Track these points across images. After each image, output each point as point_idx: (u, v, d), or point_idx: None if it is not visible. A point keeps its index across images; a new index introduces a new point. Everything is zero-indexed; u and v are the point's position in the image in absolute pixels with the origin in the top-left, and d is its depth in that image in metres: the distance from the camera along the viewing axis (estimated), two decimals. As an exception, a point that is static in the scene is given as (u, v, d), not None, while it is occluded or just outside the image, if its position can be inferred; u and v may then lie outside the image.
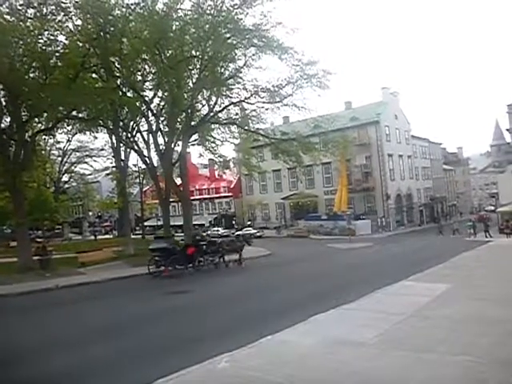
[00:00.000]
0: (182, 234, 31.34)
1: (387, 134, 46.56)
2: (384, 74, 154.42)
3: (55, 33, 19.03)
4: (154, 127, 30.25)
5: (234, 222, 55.31)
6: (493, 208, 58.58)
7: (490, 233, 32.37)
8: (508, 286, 9.59)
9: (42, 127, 23.12)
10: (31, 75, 19.85)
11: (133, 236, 35.49)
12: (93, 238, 47.78)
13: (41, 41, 18.57)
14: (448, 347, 5.29)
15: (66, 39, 20.17)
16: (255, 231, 45.88)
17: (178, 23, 24.80)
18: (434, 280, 10.63)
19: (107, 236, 51.73)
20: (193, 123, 29.03)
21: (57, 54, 19.37)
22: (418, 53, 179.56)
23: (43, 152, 37.95)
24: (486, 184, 78.99)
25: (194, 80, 27.31)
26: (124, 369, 6.06)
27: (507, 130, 39.42)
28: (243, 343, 5.77)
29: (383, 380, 4.39)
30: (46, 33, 18.47)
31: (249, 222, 52.48)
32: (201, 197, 60.42)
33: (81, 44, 19.93)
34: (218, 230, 44.87)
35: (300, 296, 11.24)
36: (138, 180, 44.15)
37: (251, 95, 27.91)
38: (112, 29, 20.57)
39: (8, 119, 20.52)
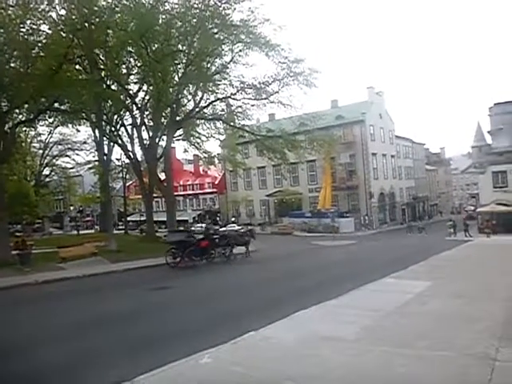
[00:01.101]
0: (166, 230, 31.14)
1: (372, 134, 47.05)
2: (369, 74, 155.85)
3: (38, 22, 18.58)
4: (138, 121, 29.94)
5: (218, 219, 55.16)
6: (473, 208, 59.88)
7: (469, 232, 33.07)
8: (486, 284, 9.82)
9: (23, 119, 22.54)
10: (12, 65, 19.33)
11: (115, 231, 35.05)
12: (75, 232, 47.06)
13: (23, 30, 18.09)
14: (428, 343, 5.38)
15: (50, 29, 19.75)
16: (239, 228, 45.80)
17: (164, 16, 24.54)
18: (415, 277, 10.81)
19: (89, 231, 50.97)
20: (178, 118, 28.83)
21: (39, 44, 18.91)
22: (402, 54, 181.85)
23: (24, 144, 37.10)
24: (467, 184, 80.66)
25: (180, 75, 27.10)
26: (105, 364, 5.97)
27: (488, 132, 40.26)
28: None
29: (364, 375, 4.44)
30: (29, 22, 18.00)
31: (233, 219, 52.42)
32: (185, 193, 60.07)
33: (64, 34, 19.51)
34: (201, 227, 44.66)
35: (284, 292, 11.33)
36: (121, 175, 43.59)
37: (237, 91, 27.87)
38: (97, 20, 20.19)
39: (-13, 110, 19.95)
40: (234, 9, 24.13)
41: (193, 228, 38.92)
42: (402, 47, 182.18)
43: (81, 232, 46.40)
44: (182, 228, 27.23)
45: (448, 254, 17.35)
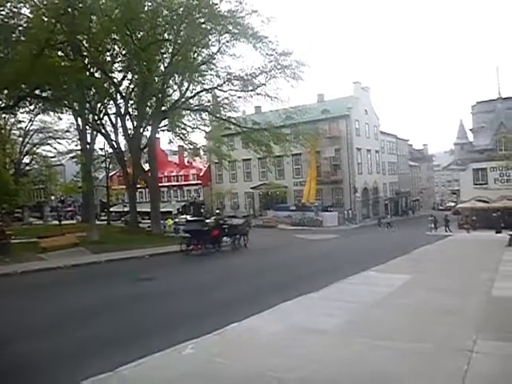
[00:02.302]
0: (149, 221, 30.88)
1: (357, 129, 47.36)
2: (356, 69, 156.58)
3: (19, 5, 18.05)
4: (122, 110, 29.43)
5: (202, 211, 54.92)
6: (453, 204, 61.05)
7: (449, 228, 33.74)
8: (464, 278, 10.06)
9: (3, 105, 21.93)
10: (-9, 49, 18.76)
11: (98, 222, 34.57)
12: (56, 222, 46.20)
13: (3, 12, 17.55)
14: (406, 335, 5.49)
15: (31, 13, 19.15)
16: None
17: (150, 4, 24.11)
18: (396, 271, 11.00)
19: (71, 221, 50.13)
20: (163, 108, 28.47)
21: (20, 28, 18.36)
22: (389, 51, 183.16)
23: (3, 131, 36.16)
24: (449, 181, 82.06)
25: (166, 64, 26.72)
26: (91, 355, 5.91)
27: (470, 129, 40.97)
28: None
29: (343, 366, 4.50)
30: (9, 4, 17.47)
31: (217, 211, 52.27)
32: (169, 184, 59.54)
33: (46, 19, 18.93)
34: (185, 218, 44.45)
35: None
36: (104, 164, 42.88)
37: (224, 82, 27.66)
38: (81, 5, 19.70)
39: (-35, 95, 19.36)
40: (222, -1, 23.86)
41: (177, 219, 38.71)
42: (388, 44, 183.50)
43: (62, 222, 45.61)
44: (197, 218, 28.72)
45: (428, 248, 17.71)
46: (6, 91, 20.16)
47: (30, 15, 19.11)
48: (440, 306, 7.14)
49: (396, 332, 5.65)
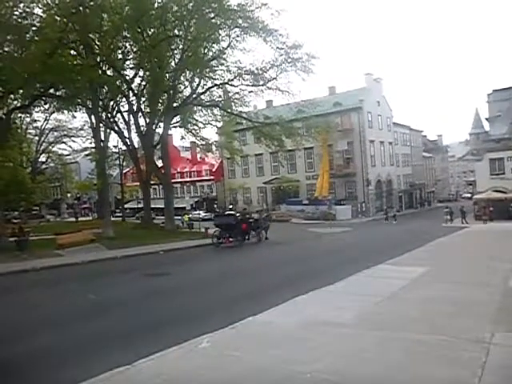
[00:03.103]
0: (163, 217, 31.16)
1: (369, 121, 46.83)
2: (368, 61, 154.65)
3: (31, 5, 18.26)
4: (134, 108, 29.67)
5: (215, 206, 55.15)
6: (469, 195, 60.06)
7: (466, 219, 33.24)
8: (481, 270, 9.91)
9: (18, 104, 22.27)
10: (6, 49, 19.01)
11: (113, 218, 35.03)
12: (72, 219, 47.01)
13: (16, 13, 17.79)
14: (423, 327, 5.44)
15: (43, 12, 19.36)
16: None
17: (160, 0, 24.15)
18: (411, 263, 10.88)
19: (86, 218, 50.92)
20: (175, 104, 28.60)
21: (33, 28, 18.59)
22: (401, 41, 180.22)
23: (19, 131, 36.76)
24: (464, 172, 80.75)
25: (177, 60, 26.81)
26: (109, 348, 6.03)
27: (486, 119, 40.18)
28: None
29: (360, 358, 4.49)
30: (22, 5, 17.69)
31: (230, 206, 52.42)
32: (182, 180, 59.90)
33: (58, 18, 19.13)
34: (199, 214, 44.71)
35: (284, 278, 11.62)
36: (118, 161, 43.37)
37: (235, 77, 27.63)
38: (91, 4, 19.85)
39: (-19, 95, 19.70)
40: (232, -7, 23.78)
41: (190, 215, 38.95)
42: (400, 34, 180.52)
43: (79, 219, 46.34)
44: (228, 212, 29.60)
45: (444, 240, 17.47)
46: (21, 91, 20.46)
47: (43, 15, 19.33)
48: (456, 297, 7.05)
49: (411, 324, 5.61)
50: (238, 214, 23.91)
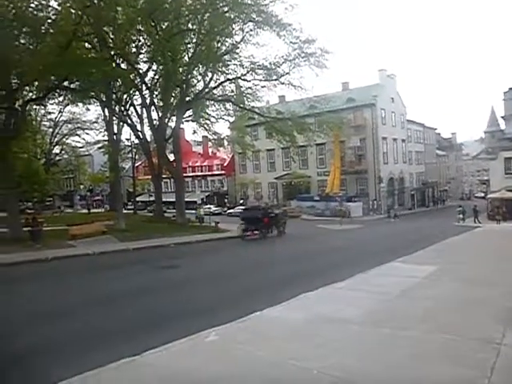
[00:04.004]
0: (174, 211, 31.35)
1: (383, 117, 46.35)
2: (381, 57, 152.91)
3: (47, -2, 18.38)
4: (147, 101, 29.79)
5: (226, 201, 55.28)
6: (483, 195, 59.16)
7: (478, 219, 32.78)
8: (492, 269, 9.78)
9: (33, 96, 22.52)
10: (22, 41, 19.21)
11: (125, 211, 35.36)
12: (85, 211, 47.58)
13: (32, 5, 17.91)
14: (432, 326, 5.39)
15: (59, 5, 19.47)
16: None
17: (174, -6, 24.08)
18: (422, 262, 10.79)
19: (98, 210, 51.53)
20: (187, 99, 28.63)
21: (48, 21, 18.71)
22: (415, 37, 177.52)
23: (34, 122, 37.22)
24: (478, 170, 79.47)
25: (190, 54, 26.78)
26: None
27: (502, 117, 39.42)
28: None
29: (367, 356, 4.48)
30: (38, -3, 17.82)
31: (241, 201, 52.52)
32: (193, 174, 60.14)
33: (73, 11, 19.22)
34: (209, 208, 44.88)
35: (294, 272, 11.69)
36: (130, 155, 43.68)
37: (247, 72, 27.52)
38: (106, -4, 19.92)
39: (-2, 87, 19.94)
40: (246, -13, 23.63)
41: (201, 210, 39.13)
42: (414, 29, 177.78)
43: (91, 211, 46.91)
44: (255, 206, 31.83)
45: (456, 239, 17.27)
46: (36, 83, 20.67)
47: (58, 7, 19.44)
48: (467, 297, 6.98)
49: (420, 323, 5.57)
50: (269, 209, 25.34)
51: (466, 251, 13.96)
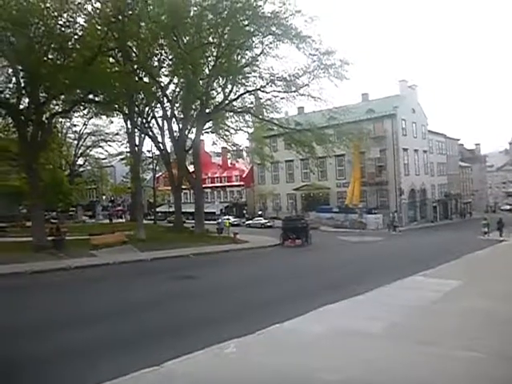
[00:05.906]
0: (194, 221, 31.60)
1: (403, 128, 45.80)
2: (402, 67, 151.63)
3: (74, 15, 19.05)
4: (168, 113, 30.37)
5: (244, 211, 55.35)
6: (509, 207, 57.46)
7: (503, 232, 31.80)
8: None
9: (59, 109, 23.28)
10: (49, 57, 19.93)
11: (145, 221, 35.84)
12: (106, 221, 48.42)
13: (60, 22, 18.58)
14: (455, 342, 5.25)
15: (85, 21, 20.19)
16: (266, 221, 45.81)
17: (195, 8, 24.69)
18: (445, 276, 10.54)
19: (120, 220, 52.38)
20: (207, 110, 29.03)
21: (75, 37, 19.38)
22: (437, 47, 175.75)
23: (60, 134, 38.36)
24: (503, 182, 77.51)
25: (210, 67, 27.23)
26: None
27: (528, 127, 38.50)
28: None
29: (387, 371, 4.38)
30: (66, 14, 18.47)
31: (260, 212, 52.50)
32: (213, 185, 60.56)
33: (99, 27, 19.90)
34: (228, 219, 45.03)
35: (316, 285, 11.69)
36: (151, 166, 44.40)
37: (267, 84, 27.77)
38: (130, 12, 20.51)
39: (26, 100, 20.70)
40: (266, 0, 23.99)
41: (220, 220, 39.28)
42: (436, 39, 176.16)
43: (113, 221, 47.72)
44: (296, 216, 34.28)
45: (480, 253, 16.80)
46: (62, 96, 21.37)
47: (84, 24, 20.16)
48: (490, 313, 6.77)
49: (442, 338, 5.42)
50: (303, 220, 27.73)
51: (491, 266, 13.57)
